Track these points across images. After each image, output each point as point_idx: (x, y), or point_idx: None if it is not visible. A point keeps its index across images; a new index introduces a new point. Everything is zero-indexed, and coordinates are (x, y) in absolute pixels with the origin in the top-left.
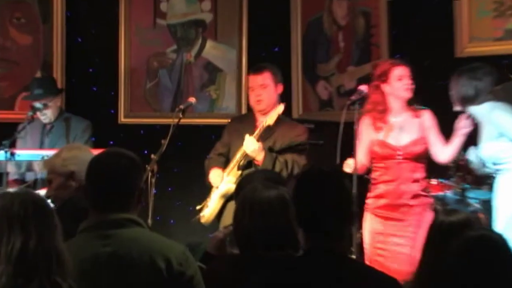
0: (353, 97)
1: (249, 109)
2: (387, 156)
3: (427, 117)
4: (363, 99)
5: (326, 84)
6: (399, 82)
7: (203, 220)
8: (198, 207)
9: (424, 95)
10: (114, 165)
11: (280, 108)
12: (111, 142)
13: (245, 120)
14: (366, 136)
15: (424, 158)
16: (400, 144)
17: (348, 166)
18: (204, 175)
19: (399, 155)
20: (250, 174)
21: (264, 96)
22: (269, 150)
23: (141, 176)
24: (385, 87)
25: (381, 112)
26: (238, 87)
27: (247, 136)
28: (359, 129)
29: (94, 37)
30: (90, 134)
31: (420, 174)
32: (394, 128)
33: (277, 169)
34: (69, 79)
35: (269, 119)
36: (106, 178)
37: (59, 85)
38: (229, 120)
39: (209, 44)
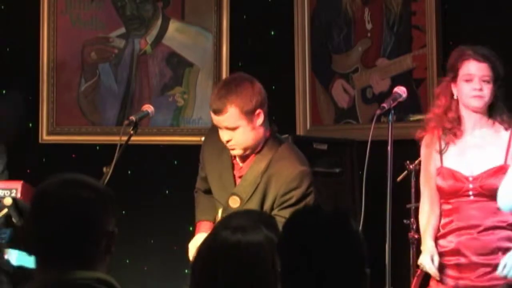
0: (386, 104)
1: None
2: (453, 191)
3: None
4: (400, 107)
5: (346, 84)
6: (466, 85)
7: None
8: None
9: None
10: (70, 200)
11: None
12: (28, 171)
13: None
14: (430, 161)
15: None
16: (473, 174)
17: (427, 265)
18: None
19: (470, 189)
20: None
21: (236, 141)
22: None
23: (110, 214)
24: (454, 89)
25: (452, 122)
26: None
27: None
28: (422, 154)
29: (3, 15)
30: (5, 160)
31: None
32: (467, 149)
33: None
34: None
35: None
36: (57, 219)
37: None
38: (203, 138)
39: (173, 26)
